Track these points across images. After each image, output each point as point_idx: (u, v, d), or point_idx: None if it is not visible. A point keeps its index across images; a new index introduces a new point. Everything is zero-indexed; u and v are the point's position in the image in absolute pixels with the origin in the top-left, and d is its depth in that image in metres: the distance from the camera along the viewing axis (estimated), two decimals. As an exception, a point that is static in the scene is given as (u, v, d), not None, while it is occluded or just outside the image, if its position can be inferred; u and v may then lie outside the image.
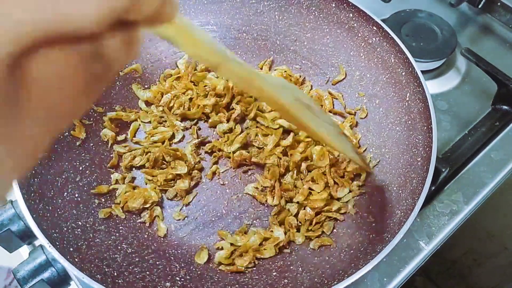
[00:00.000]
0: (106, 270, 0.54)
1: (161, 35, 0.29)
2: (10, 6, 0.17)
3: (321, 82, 0.77)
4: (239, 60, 0.39)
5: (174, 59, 0.78)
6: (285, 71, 0.76)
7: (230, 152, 0.69)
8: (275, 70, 0.78)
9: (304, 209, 0.64)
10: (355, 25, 0.72)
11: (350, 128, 0.71)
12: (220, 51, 0.36)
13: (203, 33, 0.33)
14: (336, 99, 0.74)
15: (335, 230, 0.63)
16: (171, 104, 0.73)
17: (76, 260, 0.52)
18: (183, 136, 0.72)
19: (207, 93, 0.73)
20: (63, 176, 0.62)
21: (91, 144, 0.68)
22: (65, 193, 0.61)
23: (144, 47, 0.76)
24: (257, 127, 0.72)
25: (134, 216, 0.65)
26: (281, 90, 0.46)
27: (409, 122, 0.64)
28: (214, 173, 0.69)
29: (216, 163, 0.70)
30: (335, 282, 0.51)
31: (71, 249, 0.54)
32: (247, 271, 0.60)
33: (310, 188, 0.65)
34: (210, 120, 0.72)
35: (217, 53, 0.35)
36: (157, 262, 0.60)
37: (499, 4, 0.91)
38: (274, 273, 0.59)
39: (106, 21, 0.20)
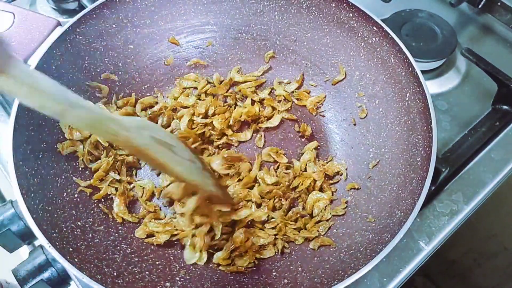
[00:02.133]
0: (106, 270, 0.54)
1: None
2: None
3: (321, 82, 0.77)
4: (90, 105, 0.37)
5: (174, 59, 0.78)
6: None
7: None
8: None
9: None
10: (355, 25, 0.72)
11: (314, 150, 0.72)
12: (65, 99, 0.34)
13: (44, 80, 0.32)
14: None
15: (334, 230, 0.63)
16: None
17: (76, 260, 0.52)
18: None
19: None
20: (63, 176, 0.62)
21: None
22: (65, 194, 0.61)
23: (144, 47, 0.76)
24: None
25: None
26: (137, 131, 0.45)
27: (409, 122, 0.64)
28: None
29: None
30: (335, 282, 0.51)
31: (71, 249, 0.53)
32: (247, 271, 0.60)
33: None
34: None
35: (61, 101, 0.34)
36: (157, 262, 0.60)
37: (499, 4, 0.91)
38: (274, 273, 0.59)
39: None
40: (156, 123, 0.73)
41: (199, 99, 0.76)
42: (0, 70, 0.25)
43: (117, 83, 0.74)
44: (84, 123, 0.37)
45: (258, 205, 0.66)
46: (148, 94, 0.76)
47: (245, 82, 0.78)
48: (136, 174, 0.69)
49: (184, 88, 0.77)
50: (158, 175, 0.70)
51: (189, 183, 0.54)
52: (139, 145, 0.45)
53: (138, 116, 0.72)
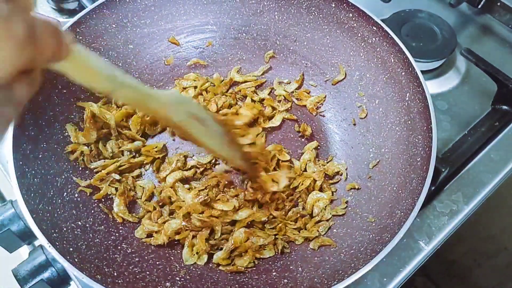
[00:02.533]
0: (106, 270, 0.54)
1: (58, 71, 0.30)
2: None
3: (321, 82, 0.77)
4: (135, 83, 0.41)
5: (174, 59, 0.78)
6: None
7: None
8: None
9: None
10: (355, 25, 0.72)
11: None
12: (115, 78, 0.38)
13: (98, 62, 0.35)
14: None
15: (334, 230, 0.63)
16: None
17: (76, 260, 0.52)
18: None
19: None
20: (63, 176, 0.62)
21: (91, 145, 0.68)
22: (65, 193, 0.61)
23: (144, 47, 0.76)
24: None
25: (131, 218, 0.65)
26: (175, 107, 0.48)
27: (409, 122, 0.64)
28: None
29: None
30: (335, 282, 0.51)
31: (71, 249, 0.53)
32: (247, 271, 0.60)
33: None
34: None
35: (111, 81, 0.37)
36: (157, 262, 0.60)
37: (499, 4, 0.91)
38: (274, 273, 0.59)
39: (12, 74, 0.23)
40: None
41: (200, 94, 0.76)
42: (63, 57, 0.27)
43: (117, 83, 0.74)
44: (129, 100, 0.42)
45: (260, 205, 0.66)
46: (148, 94, 0.76)
47: (245, 82, 0.78)
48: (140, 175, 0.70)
49: (184, 88, 0.77)
50: (173, 139, 0.72)
51: (220, 156, 0.58)
52: (177, 122, 0.49)
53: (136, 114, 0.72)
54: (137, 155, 0.70)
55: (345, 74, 0.74)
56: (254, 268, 0.60)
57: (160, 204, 0.66)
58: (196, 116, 0.52)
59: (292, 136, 0.74)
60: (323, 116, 0.75)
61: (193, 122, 0.51)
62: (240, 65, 0.80)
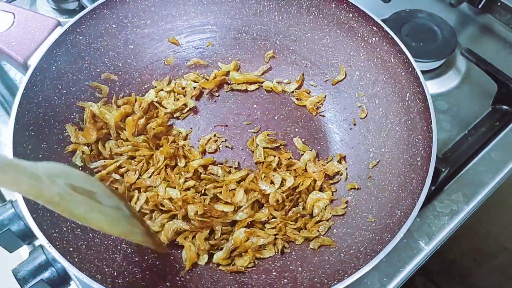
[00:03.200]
0: (106, 270, 0.54)
1: None
2: None
3: (321, 82, 0.77)
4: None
5: (174, 59, 0.78)
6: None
7: None
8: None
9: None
10: (355, 25, 0.72)
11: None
12: None
13: None
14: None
15: (334, 230, 0.63)
16: None
17: (76, 260, 0.52)
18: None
19: None
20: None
21: (91, 145, 0.68)
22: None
23: (144, 47, 0.76)
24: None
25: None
26: (49, 180, 0.40)
27: (409, 122, 0.64)
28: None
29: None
30: (335, 282, 0.51)
31: (71, 249, 0.53)
32: (246, 271, 0.60)
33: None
34: None
35: None
36: (157, 262, 0.60)
37: (499, 4, 0.91)
38: (274, 273, 0.59)
39: None
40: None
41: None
42: None
43: (117, 83, 0.74)
44: None
45: (260, 205, 0.66)
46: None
47: (245, 82, 0.78)
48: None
49: (183, 87, 0.77)
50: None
51: (113, 234, 0.48)
52: (50, 196, 0.40)
53: (135, 114, 0.72)
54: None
55: (345, 74, 0.74)
56: (254, 268, 0.60)
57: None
58: (80, 189, 0.43)
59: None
60: (323, 116, 0.75)
61: (74, 196, 0.42)
62: (240, 65, 0.80)
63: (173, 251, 0.62)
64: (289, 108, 0.77)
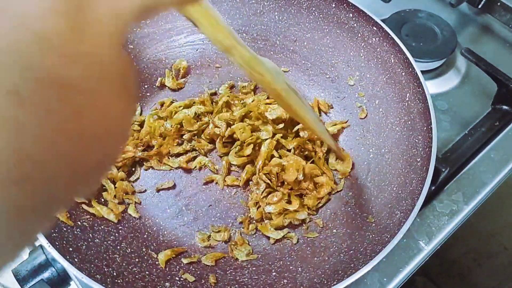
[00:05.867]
0: (106, 270, 0.54)
1: (187, 16, 0.31)
2: None
3: (321, 82, 0.77)
4: (246, 45, 0.42)
5: (174, 59, 0.78)
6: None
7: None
8: None
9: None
10: (355, 25, 0.72)
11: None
12: (234, 36, 0.39)
13: (221, 18, 0.36)
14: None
15: (334, 231, 0.63)
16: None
17: (76, 260, 0.52)
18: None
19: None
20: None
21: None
22: (65, 193, 0.61)
23: (144, 47, 0.76)
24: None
25: (133, 217, 0.65)
26: (276, 75, 0.48)
27: (409, 122, 0.64)
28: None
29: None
30: (335, 282, 0.51)
31: (71, 249, 0.53)
32: (246, 271, 0.60)
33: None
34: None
35: (232, 37, 0.38)
36: (157, 262, 0.60)
37: (499, 4, 0.91)
38: (274, 273, 0.59)
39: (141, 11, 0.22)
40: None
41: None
42: (191, 1, 0.28)
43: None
44: (242, 60, 0.42)
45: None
46: (148, 94, 0.76)
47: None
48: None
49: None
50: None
51: (314, 131, 0.58)
52: (278, 89, 0.49)
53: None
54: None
55: (366, 113, 0.72)
56: (254, 268, 0.60)
57: None
58: (292, 88, 0.52)
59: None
60: (324, 115, 0.75)
61: (290, 92, 0.51)
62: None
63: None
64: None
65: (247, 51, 0.42)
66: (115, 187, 0.66)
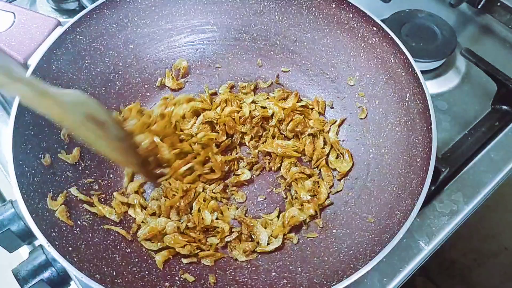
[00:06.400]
0: (105, 269, 0.54)
1: None
2: None
3: (321, 82, 0.77)
4: (32, 80, 0.42)
5: (174, 59, 0.78)
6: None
7: None
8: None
9: None
10: (355, 25, 0.72)
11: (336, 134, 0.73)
12: (8, 72, 0.38)
13: None
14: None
15: (334, 231, 0.63)
16: None
17: (75, 259, 0.52)
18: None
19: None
20: (63, 176, 0.62)
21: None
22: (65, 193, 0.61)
23: (144, 47, 0.76)
24: None
25: (133, 217, 0.65)
26: (72, 108, 0.49)
27: (409, 122, 0.64)
28: None
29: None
30: (334, 283, 0.51)
31: (70, 248, 0.54)
32: (246, 271, 0.60)
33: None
34: None
35: (4, 74, 0.38)
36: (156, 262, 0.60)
37: (499, 4, 0.91)
38: (274, 273, 0.59)
39: None
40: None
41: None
42: None
43: (117, 82, 0.74)
44: (23, 96, 0.42)
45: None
46: (148, 93, 0.76)
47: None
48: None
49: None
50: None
51: (112, 159, 0.59)
52: (72, 122, 0.50)
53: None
54: None
55: (366, 112, 0.72)
56: (254, 268, 0.60)
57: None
58: (94, 118, 0.53)
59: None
60: (323, 115, 0.75)
61: (89, 125, 0.52)
62: (240, 66, 0.80)
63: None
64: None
65: (29, 86, 0.42)
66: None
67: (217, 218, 0.65)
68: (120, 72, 0.74)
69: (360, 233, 0.59)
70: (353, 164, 0.69)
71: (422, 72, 0.65)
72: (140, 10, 0.75)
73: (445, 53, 0.84)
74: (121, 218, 0.64)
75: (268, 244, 0.62)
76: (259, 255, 0.62)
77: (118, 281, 0.53)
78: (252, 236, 0.64)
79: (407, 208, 0.55)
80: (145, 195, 0.68)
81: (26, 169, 0.57)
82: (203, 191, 0.67)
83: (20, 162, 0.57)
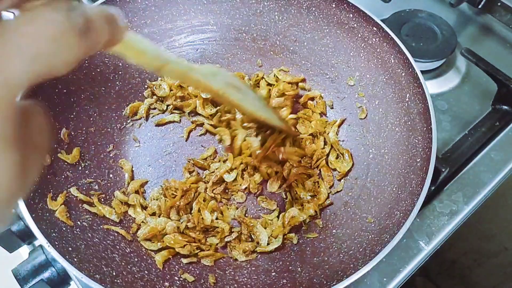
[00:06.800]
0: (105, 269, 0.54)
1: (111, 52, 0.34)
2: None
3: (321, 82, 0.77)
4: (176, 59, 0.46)
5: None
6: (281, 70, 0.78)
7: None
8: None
9: None
10: (355, 25, 0.72)
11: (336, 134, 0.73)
12: (160, 57, 0.43)
13: (146, 43, 0.39)
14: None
15: (334, 231, 0.63)
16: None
17: (75, 259, 0.52)
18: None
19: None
20: (63, 176, 0.63)
21: (92, 145, 0.68)
22: (65, 193, 0.61)
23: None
24: None
25: (133, 217, 0.65)
26: (213, 78, 0.52)
27: (409, 122, 0.64)
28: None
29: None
30: (334, 283, 0.51)
31: (70, 248, 0.54)
32: (245, 271, 0.60)
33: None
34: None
35: (158, 59, 0.42)
36: (156, 262, 0.60)
37: (499, 4, 0.91)
38: (273, 273, 0.59)
39: (73, 63, 0.25)
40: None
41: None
42: (117, 42, 0.30)
43: (117, 82, 0.74)
44: (175, 74, 0.47)
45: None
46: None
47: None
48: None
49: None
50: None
51: (259, 118, 0.61)
52: (217, 89, 0.53)
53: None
54: None
55: (366, 112, 0.72)
56: (253, 268, 0.60)
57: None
58: (232, 84, 0.56)
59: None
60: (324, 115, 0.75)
61: (231, 89, 0.55)
62: (240, 65, 0.80)
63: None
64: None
65: (177, 66, 0.46)
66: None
67: (217, 218, 0.65)
68: (120, 72, 0.74)
69: (360, 233, 0.59)
70: (353, 164, 0.69)
71: (422, 72, 0.65)
72: (140, 10, 0.75)
73: (445, 53, 0.84)
74: (121, 218, 0.64)
75: (268, 244, 0.62)
76: (259, 255, 0.62)
77: (118, 281, 0.53)
78: (252, 236, 0.64)
79: (407, 208, 0.55)
80: (145, 195, 0.68)
81: (26, 169, 0.57)
82: (204, 191, 0.67)
83: (20, 162, 0.57)
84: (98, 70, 0.72)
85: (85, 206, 0.62)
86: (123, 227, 0.63)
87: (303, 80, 0.78)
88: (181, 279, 0.58)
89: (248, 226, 0.64)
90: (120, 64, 0.74)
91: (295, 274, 0.58)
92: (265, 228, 0.64)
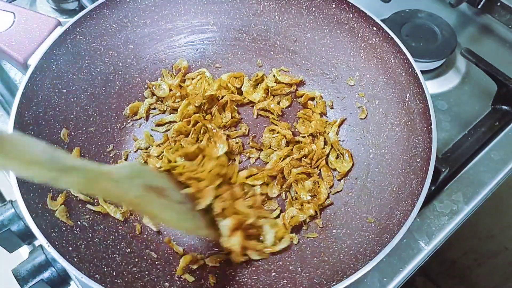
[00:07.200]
0: (105, 269, 0.54)
1: None
2: None
3: (321, 82, 0.77)
4: (82, 162, 0.37)
5: (174, 59, 0.78)
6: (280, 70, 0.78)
7: None
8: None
9: None
10: (355, 25, 0.72)
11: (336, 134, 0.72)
12: (56, 165, 0.33)
13: (35, 147, 0.31)
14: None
15: (334, 231, 0.63)
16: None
17: (75, 260, 0.52)
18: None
19: None
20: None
21: (92, 145, 0.68)
22: (65, 193, 0.61)
23: (144, 47, 0.76)
24: None
25: (132, 216, 0.65)
26: (129, 182, 0.44)
27: (409, 122, 0.64)
28: None
29: None
30: (334, 283, 0.51)
31: (70, 248, 0.53)
32: (246, 271, 0.60)
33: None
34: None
35: (52, 168, 0.33)
36: (156, 262, 0.60)
37: (499, 4, 0.91)
38: (273, 274, 0.59)
39: None
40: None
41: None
42: None
43: (117, 82, 0.74)
44: (76, 187, 0.38)
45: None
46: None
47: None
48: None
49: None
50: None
51: (182, 230, 0.55)
52: (131, 199, 0.45)
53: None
54: None
55: (367, 112, 0.72)
56: (253, 268, 0.60)
57: None
58: (153, 187, 0.48)
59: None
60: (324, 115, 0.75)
61: (149, 196, 0.47)
62: (240, 65, 0.80)
63: (172, 250, 0.62)
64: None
65: (81, 172, 0.37)
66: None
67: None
68: (120, 72, 0.74)
69: (360, 233, 0.59)
70: (353, 164, 0.69)
71: (422, 72, 0.65)
72: (140, 10, 0.75)
73: (445, 53, 0.84)
74: (125, 217, 0.63)
75: (274, 245, 0.62)
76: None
77: (118, 281, 0.53)
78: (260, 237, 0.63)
79: (407, 208, 0.55)
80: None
81: (26, 169, 0.57)
82: None
83: (20, 162, 0.57)
84: (98, 70, 0.72)
85: (88, 206, 0.62)
86: (123, 227, 0.63)
87: (302, 82, 0.78)
88: (181, 279, 0.58)
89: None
90: (120, 64, 0.74)
91: (295, 274, 0.58)
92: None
